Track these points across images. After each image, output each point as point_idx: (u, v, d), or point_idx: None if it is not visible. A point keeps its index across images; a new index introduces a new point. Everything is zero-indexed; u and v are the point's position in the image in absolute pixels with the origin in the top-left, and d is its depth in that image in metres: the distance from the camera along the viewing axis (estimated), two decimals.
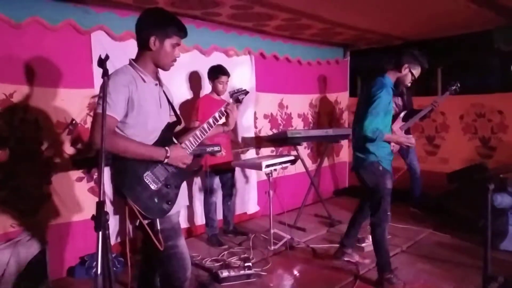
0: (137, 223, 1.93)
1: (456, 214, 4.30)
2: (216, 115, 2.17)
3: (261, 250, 3.73)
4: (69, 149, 3.27)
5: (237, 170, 4.39)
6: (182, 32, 1.99)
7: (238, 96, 2.26)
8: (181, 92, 4.05)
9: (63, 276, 3.27)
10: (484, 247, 2.23)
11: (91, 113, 3.37)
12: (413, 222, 4.38)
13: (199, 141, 2.12)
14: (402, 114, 3.68)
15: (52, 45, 3.12)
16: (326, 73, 5.70)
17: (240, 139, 4.60)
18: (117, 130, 1.90)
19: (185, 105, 4.07)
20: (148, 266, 2.28)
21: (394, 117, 3.35)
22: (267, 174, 3.73)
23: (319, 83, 5.67)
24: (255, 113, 4.79)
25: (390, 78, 2.98)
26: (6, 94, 2.92)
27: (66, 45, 3.20)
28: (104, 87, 1.68)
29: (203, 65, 4.11)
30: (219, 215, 4.17)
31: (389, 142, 2.98)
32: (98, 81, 3.26)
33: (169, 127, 2.08)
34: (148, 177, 1.92)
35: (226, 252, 3.72)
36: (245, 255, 3.54)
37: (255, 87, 4.74)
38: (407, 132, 4.02)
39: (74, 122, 3.20)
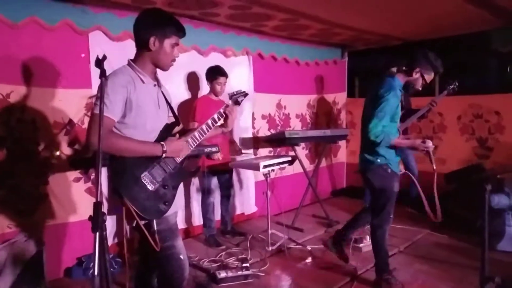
0: (134, 224, 1.92)
1: (454, 214, 4.31)
2: (215, 116, 2.16)
3: (259, 251, 3.73)
4: (66, 150, 3.25)
5: (235, 171, 4.39)
6: (181, 32, 1.98)
7: (237, 98, 2.25)
8: (179, 93, 4.05)
9: (60, 277, 3.26)
10: (481, 248, 2.24)
11: (89, 114, 3.36)
12: (411, 222, 4.39)
13: (198, 142, 2.12)
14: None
15: (49, 45, 3.11)
16: (324, 74, 5.70)
17: (238, 140, 4.60)
18: (115, 131, 1.90)
19: (183, 105, 4.07)
20: (145, 267, 2.27)
21: None
22: (265, 175, 3.73)
23: (317, 84, 5.68)
24: (253, 114, 4.79)
25: (400, 80, 2.85)
26: (3, 94, 2.90)
27: (63, 45, 3.19)
28: (101, 88, 1.67)
29: (201, 66, 4.11)
30: (217, 216, 4.16)
31: (395, 147, 2.83)
32: (95, 81, 3.27)
33: (168, 128, 2.07)
34: (145, 178, 1.91)
35: (223, 253, 3.71)
36: (243, 256, 3.55)
37: (253, 88, 4.74)
38: (405, 132, 4.02)
39: (71, 122, 3.19)
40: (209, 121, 2.14)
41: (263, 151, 4.94)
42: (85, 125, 3.34)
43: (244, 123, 4.70)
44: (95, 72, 3.20)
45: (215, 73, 3.80)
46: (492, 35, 4.58)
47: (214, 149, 3.22)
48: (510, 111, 4.56)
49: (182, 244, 2.08)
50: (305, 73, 5.43)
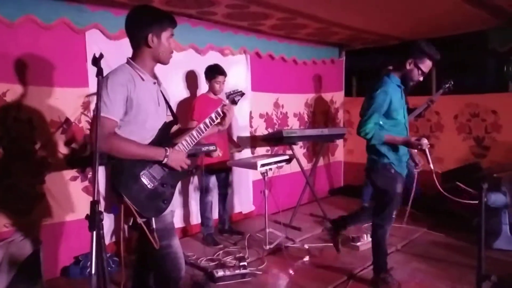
0: (130, 223, 1.92)
1: (451, 213, 4.33)
2: (213, 115, 2.17)
3: (257, 250, 3.73)
4: (63, 148, 3.24)
5: (233, 170, 4.39)
6: (174, 23, 2.00)
7: (234, 98, 2.26)
8: (177, 92, 4.05)
9: (57, 276, 3.25)
10: (478, 246, 2.24)
11: (85, 112, 3.36)
12: (408, 221, 4.40)
13: (196, 141, 2.13)
14: None
15: (46, 43, 3.10)
16: (321, 73, 5.70)
17: (235, 139, 4.59)
18: (115, 130, 1.90)
19: (182, 104, 4.06)
20: (142, 266, 2.27)
21: None
22: (263, 174, 3.73)
23: (315, 83, 5.68)
24: (250, 113, 4.79)
25: (396, 76, 2.83)
26: None
27: (60, 44, 3.18)
28: (98, 86, 1.67)
29: (198, 64, 4.11)
30: (215, 215, 4.16)
31: (391, 144, 2.80)
32: (92, 80, 3.25)
33: (166, 126, 2.09)
34: (144, 176, 1.92)
35: (221, 252, 3.71)
36: (240, 255, 3.55)
37: (250, 87, 4.74)
38: None
39: (68, 121, 3.18)
40: (207, 120, 2.15)
41: (261, 150, 4.94)
42: (82, 124, 3.34)
43: (242, 122, 4.70)
44: (92, 70, 3.19)
45: (214, 72, 3.80)
46: (490, 35, 4.58)
47: (211, 147, 3.22)
48: (506, 110, 4.58)
49: (178, 243, 2.08)
50: (302, 72, 5.43)
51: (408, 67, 2.76)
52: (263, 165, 3.58)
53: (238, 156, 4.61)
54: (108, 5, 3.31)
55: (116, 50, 3.01)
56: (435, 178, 2.62)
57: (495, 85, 5.18)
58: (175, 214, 2.19)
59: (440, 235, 4.07)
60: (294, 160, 4.17)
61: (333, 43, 5.67)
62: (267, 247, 3.69)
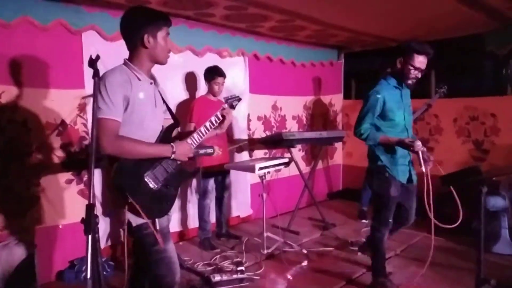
0: (125, 226, 1.91)
1: (450, 217, 4.31)
2: (213, 119, 2.20)
3: (254, 254, 3.69)
4: (58, 151, 3.21)
5: (230, 173, 4.36)
6: (168, 22, 1.99)
7: (232, 103, 2.30)
8: (176, 93, 4.03)
9: (52, 280, 3.21)
10: (477, 250, 2.23)
11: (81, 114, 3.33)
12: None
13: (197, 144, 2.14)
14: None
15: (42, 45, 3.07)
16: (320, 75, 5.69)
17: (234, 140, 4.57)
18: None
19: (181, 106, 4.05)
20: (138, 270, 2.25)
21: None
22: (261, 177, 3.71)
23: (313, 85, 5.67)
24: (248, 115, 4.77)
25: (392, 77, 2.85)
26: None
27: (56, 45, 3.15)
28: (95, 88, 1.67)
29: (196, 66, 4.10)
30: (213, 219, 4.13)
31: (385, 144, 2.79)
32: (88, 81, 3.24)
33: (168, 129, 2.09)
34: (148, 177, 1.93)
35: (218, 256, 3.68)
36: (238, 259, 3.52)
37: (248, 89, 4.73)
38: None
39: (64, 123, 3.15)
40: (207, 123, 2.18)
41: (259, 153, 4.92)
42: (78, 126, 3.32)
43: (240, 125, 4.67)
44: (88, 72, 3.16)
45: (213, 73, 3.80)
46: (488, 38, 4.59)
47: (209, 150, 3.18)
48: (505, 113, 4.57)
49: (173, 248, 2.07)
50: (301, 75, 5.42)
51: (399, 65, 2.80)
52: (261, 168, 3.55)
53: (238, 156, 4.59)
54: (105, 6, 3.29)
55: (113, 52, 2.97)
56: (429, 180, 2.58)
57: (494, 88, 5.18)
58: (172, 218, 2.17)
59: (440, 239, 4.04)
60: (292, 163, 4.15)
61: (331, 46, 5.67)
62: (265, 251, 3.66)
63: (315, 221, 4.77)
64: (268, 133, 4.97)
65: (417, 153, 2.61)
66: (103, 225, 3.45)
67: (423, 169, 2.59)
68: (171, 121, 2.15)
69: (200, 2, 3.37)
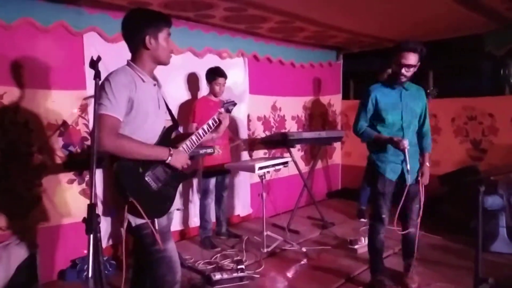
0: (125, 226, 1.92)
1: (448, 216, 4.33)
2: (210, 122, 2.23)
3: (254, 253, 3.72)
4: (60, 151, 3.23)
5: (230, 172, 4.38)
6: (169, 22, 2.01)
7: (228, 107, 2.35)
8: (177, 94, 4.05)
9: (54, 280, 3.23)
10: (475, 249, 2.24)
11: (83, 115, 3.35)
12: None
13: (195, 146, 2.17)
14: None
15: (43, 46, 3.09)
16: (319, 76, 5.72)
17: (235, 140, 4.60)
18: None
19: (182, 107, 4.07)
20: (139, 269, 2.26)
21: None
22: (260, 177, 3.73)
23: (312, 86, 5.69)
24: (248, 115, 4.79)
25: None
26: None
27: (58, 46, 3.17)
28: (96, 89, 1.68)
29: (196, 67, 4.12)
30: (213, 217, 4.15)
31: (378, 142, 2.87)
32: (90, 82, 3.25)
33: (167, 130, 2.11)
34: (149, 177, 1.94)
35: (219, 255, 3.70)
36: (238, 258, 3.53)
37: (248, 89, 4.75)
38: None
39: (65, 124, 3.17)
40: (205, 126, 2.21)
41: (258, 153, 4.94)
42: (79, 127, 3.34)
43: (239, 125, 4.70)
44: (89, 73, 3.19)
45: (214, 74, 3.83)
46: (486, 38, 4.60)
47: (209, 150, 3.21)
48: (503, 113, 4.60)
49: (174, 247, 2.08)
50: (300, 75, 5.44)
51: (393, 66, 2.88)
52: (261, 168, 3.58)
53: (239, 156, 4.60)
54: (106, 8, 3.31)
55: (114, 53, 2.99)
56: (407, 175, 2.77)
57: (492, 88, 5.20)
58: (173, 216, 2.19)
59: (437, 237, 4.07)
60: (292, 163, 4.17)
61: (330, 46, 5.69)
62: (265, 250, 3.68)
63: (314, 220, 4.79)
64: (267, 133, 4.99)
65: (403, 151, 2.71)
66: (105, 225, 3.47)
67: (408, 167, 2.74)
68: (170, 122, 2.17)
69: (200, 4, 3.39)
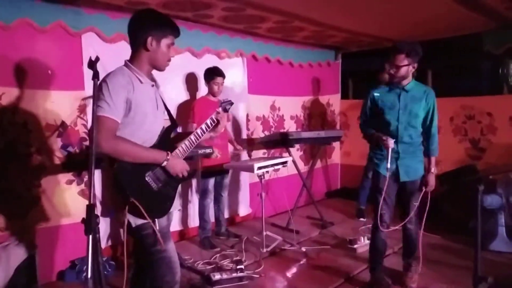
0: (125, 227, 1.93)
1: (447, 215, 4.34)
2: (208, 122, 2.24)
3: (254, 253, 3.72)
4: (58, 152, 3.23)
5: (229, 172, 4.38)
6: (176, 32, 2.00)
7: (225, 106, 2.37)
8: (175, 94, 4.05)
9: (53, 280, 3.22)
10: (474, 248, 2.25)
11: (82, 115, 3.35)
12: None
13: (194, 145, 2.16)
14: None
15: (42, 46, 3.09)
16: (317, 76, 5.72)
17: (235, 141, 4.59)
18: None
19: (181, 107, 4.07)
20: (139, 270, 2.26)
21: None
22: (259, 176, 3.73)
23: (311, 85, 5.69)
24: (247, 115, 4.79)
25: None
26: None
27: (56, 46, 3.17)
28: (94, 89, 1.68)
29: (195, 67, 4.12)
30: (212, 218, 4.15)
31: (371, 138, 2.99)
32: (88, 83, 3.25)
33: (167, 130, 2.11)
34: (149, 177, 1.95)
35: (218, 255, 3.70)
36: (237, 258, 3.53)
37: (247, 89, 4.75)
38: None
39: (64, 124, 3.17)
40: (203, 126, 2.22)
41: (257, 153, 4.94)
42: (78, 127, 3.33)
43: (238, 125, 4.70)
44: (88, 73, 3.18)
45: (212, 74, 3.83)
46: (485, 37, 4.61)
47: (208, 150, 3.21)
48: (502, 112, 4.60)
49: (173, 247, 2.08)
50: (299, 75, 5.44)
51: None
52: (260, 168, 3.58)
53: (243, 154, 4.61)
54: (104, 8, 3.30)
55: (112, 53, 3.00)
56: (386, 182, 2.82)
57: (490, 87, 5.21)
58: (173, 217, 2.19)
59: (436, 237, 4.07)
60: (291, 162, 4.17)
61: (329, 46, 5.69)
62: (264, 250, 3.69)
63: (313, 220, 4.79)
64: (266, 133, 5.00)
65: (387, 149, 2.76)
66: (104, 225, 3.47)
67: (388, 165, 2.77)
68: (169, 122, 2.17)
69: (198, 4, 3.39)
